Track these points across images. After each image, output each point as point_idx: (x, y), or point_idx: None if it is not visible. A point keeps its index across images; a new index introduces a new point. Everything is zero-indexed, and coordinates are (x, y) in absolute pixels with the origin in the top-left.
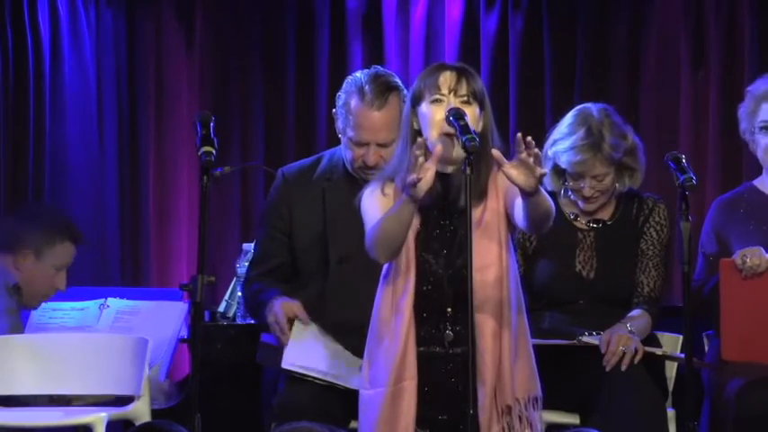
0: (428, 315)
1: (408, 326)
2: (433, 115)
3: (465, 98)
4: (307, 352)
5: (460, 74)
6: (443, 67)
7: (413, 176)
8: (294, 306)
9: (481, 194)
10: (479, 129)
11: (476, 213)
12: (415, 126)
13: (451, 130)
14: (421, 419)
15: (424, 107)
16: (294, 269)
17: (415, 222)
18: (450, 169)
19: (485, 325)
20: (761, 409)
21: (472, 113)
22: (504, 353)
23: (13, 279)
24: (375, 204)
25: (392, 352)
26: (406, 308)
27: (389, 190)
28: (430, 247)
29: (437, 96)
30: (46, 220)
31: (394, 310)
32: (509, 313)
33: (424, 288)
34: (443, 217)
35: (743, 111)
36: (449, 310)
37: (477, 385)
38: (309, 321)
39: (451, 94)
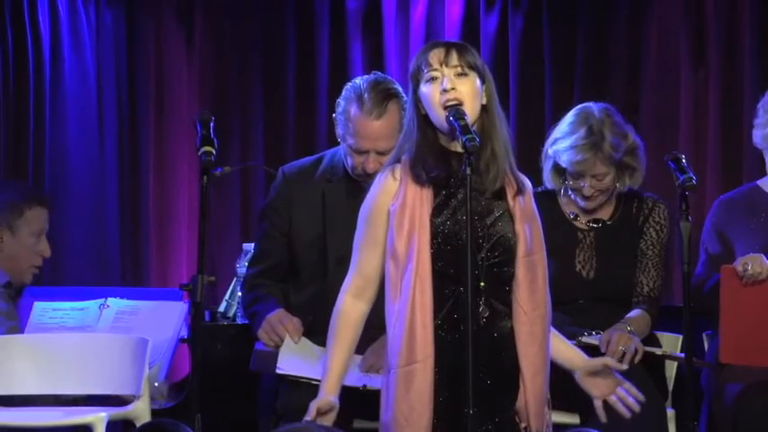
0: (451, 292)
1: (417, 303)
2: (432, 94)
3: (459, 69)
4: (300, 360)
5: (450, 47)
6: (434, 45)
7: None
8: (286, 322)
9: (500, 175)
10: (483, 100)
11: (512, 201)
12: (423, 111)
13: (450, 97)
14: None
15: (423, 88)
16: (292, 268)
17: (430, 197)
18: (462, 149)
19: (531, 306)
20: (760, 415)
21: (470, 85)
22: (540, 334)
23: (5, 277)
24: (380, 193)
25: (398, 331)
26: (414, 285)
27: (398, 174)
28: (451, 220)
29: (431, 74)
30: (6, 195)
31: (398, 290)
32: (544, 295)
33: (443, 264)
34: (464, 193)
35: (758, 122)
36: (482, 284)
37: (522, 363)
38: (300, 338)
39: (443, 65)
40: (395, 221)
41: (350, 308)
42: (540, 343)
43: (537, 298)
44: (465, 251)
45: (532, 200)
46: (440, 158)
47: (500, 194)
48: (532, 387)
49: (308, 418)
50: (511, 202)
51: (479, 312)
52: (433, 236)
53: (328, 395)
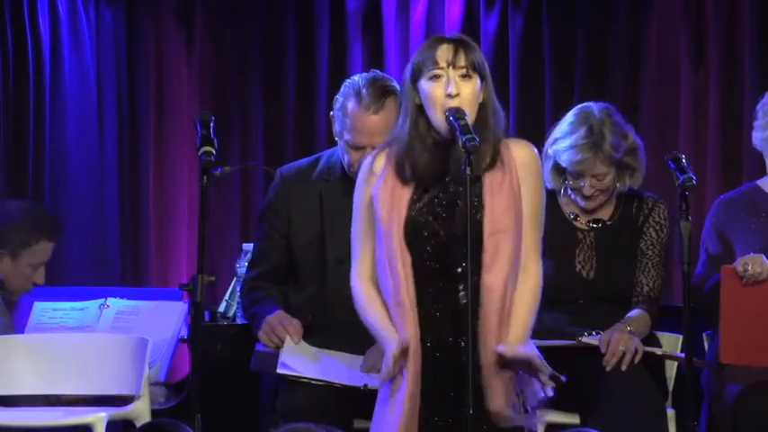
0: (433, 278)
1: (402, 287)
2: (433, 92)
3: (464, 71)
4: (300, 359)
5: (458, 45)
6: (441, 40)
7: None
8: (286, 323)
9: (484, 161)
10: (480, 99)
11: (491, 179)
12: (417, 101)
13: (454, 104)
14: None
15: (424, 83)
16: (292, 270)
17: (410, 186)
18: (452, 135)
19: (494, 286)
20: (759, 415)
21: (472, 87)
22: (508, 316)
23: None
24: (363, 182)
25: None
26: (398, 271)
27: (379, 166)
28: (429, 210)
29: (435, 72)
30: (21, 221)
31: (387, 276)
32: (509, 272)
33: (423, 255)
34: (445, 181)
35: (758, 124)
36: (459, 270)
37: (480, 347)
38: (300, 339)
39: (450, 67)
40: (377, 207)
41: (367, 288)
42: (503, 321)
43: (502, 276)
44: (438, 242)
45: (518, 165)
46: (428, 149)
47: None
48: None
49: (389, 365)
50: (483, 178)
51: (458, 297)
52: (408, 225)
53: (396, 339)
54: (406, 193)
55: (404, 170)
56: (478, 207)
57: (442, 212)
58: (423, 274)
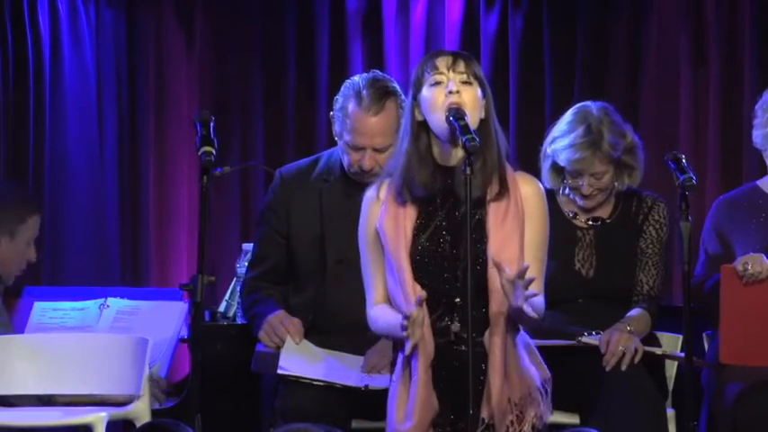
0: (434, 306)
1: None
2: (435, 96)
3: (464, 76)
4: (301, 360)
5: (457, 56)
6: (441, 52)
7: (409, 345)
8: (287, 323)
9: (488, 183)
10: (482, 114)
11: (496, 209)
12: (418, 117)
13: (455, 99)
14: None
15: (425, 91)
16: (291, 270)
17: (412, 214)
18: (454, 161)
19: (498, 319)
20: (759, 415)
21: (473, 94)
22: (514, 347)
23: None
24: (366, 215)
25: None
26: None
27: (383, 193)
28: (432, 238)
29: (436, 78)
30: (8, 200)
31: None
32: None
33: (425, 281)
34: (447, 208)
35: (758, 122)
36: (457, 300)
37: (490, 380)
38: (302, 339)
39: (450, 71)
40: (384, 239)
41: (381, 306)
42: (506, 347)
43: (506, 306)
44: (441, 268)
45: (524, 201)
46: (427, 172)
47: (478, 201)
48: (495, 385)
49: (402, 322)
50: (487, 208)
51: (450, 327)
52: (414, 252)
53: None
54: (409, 222)
55: (403, 192)
56: (482, 237)
57: (446, 243)
58: (431, 301)
